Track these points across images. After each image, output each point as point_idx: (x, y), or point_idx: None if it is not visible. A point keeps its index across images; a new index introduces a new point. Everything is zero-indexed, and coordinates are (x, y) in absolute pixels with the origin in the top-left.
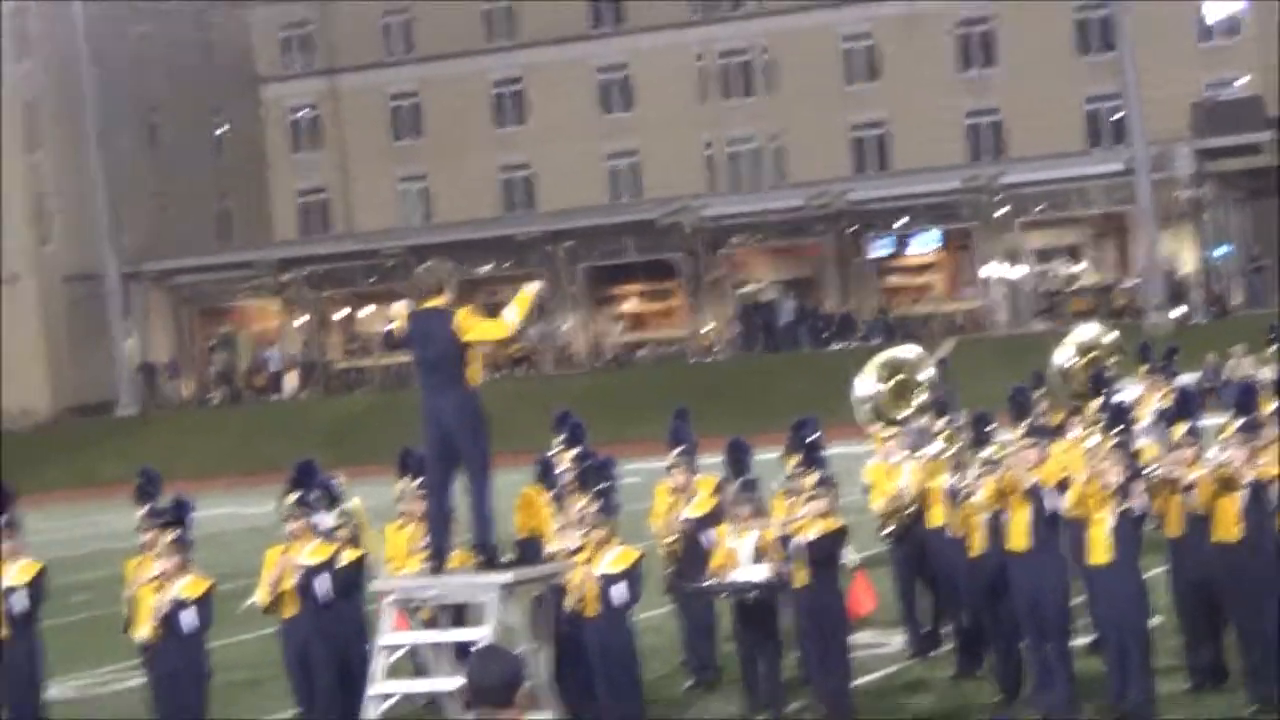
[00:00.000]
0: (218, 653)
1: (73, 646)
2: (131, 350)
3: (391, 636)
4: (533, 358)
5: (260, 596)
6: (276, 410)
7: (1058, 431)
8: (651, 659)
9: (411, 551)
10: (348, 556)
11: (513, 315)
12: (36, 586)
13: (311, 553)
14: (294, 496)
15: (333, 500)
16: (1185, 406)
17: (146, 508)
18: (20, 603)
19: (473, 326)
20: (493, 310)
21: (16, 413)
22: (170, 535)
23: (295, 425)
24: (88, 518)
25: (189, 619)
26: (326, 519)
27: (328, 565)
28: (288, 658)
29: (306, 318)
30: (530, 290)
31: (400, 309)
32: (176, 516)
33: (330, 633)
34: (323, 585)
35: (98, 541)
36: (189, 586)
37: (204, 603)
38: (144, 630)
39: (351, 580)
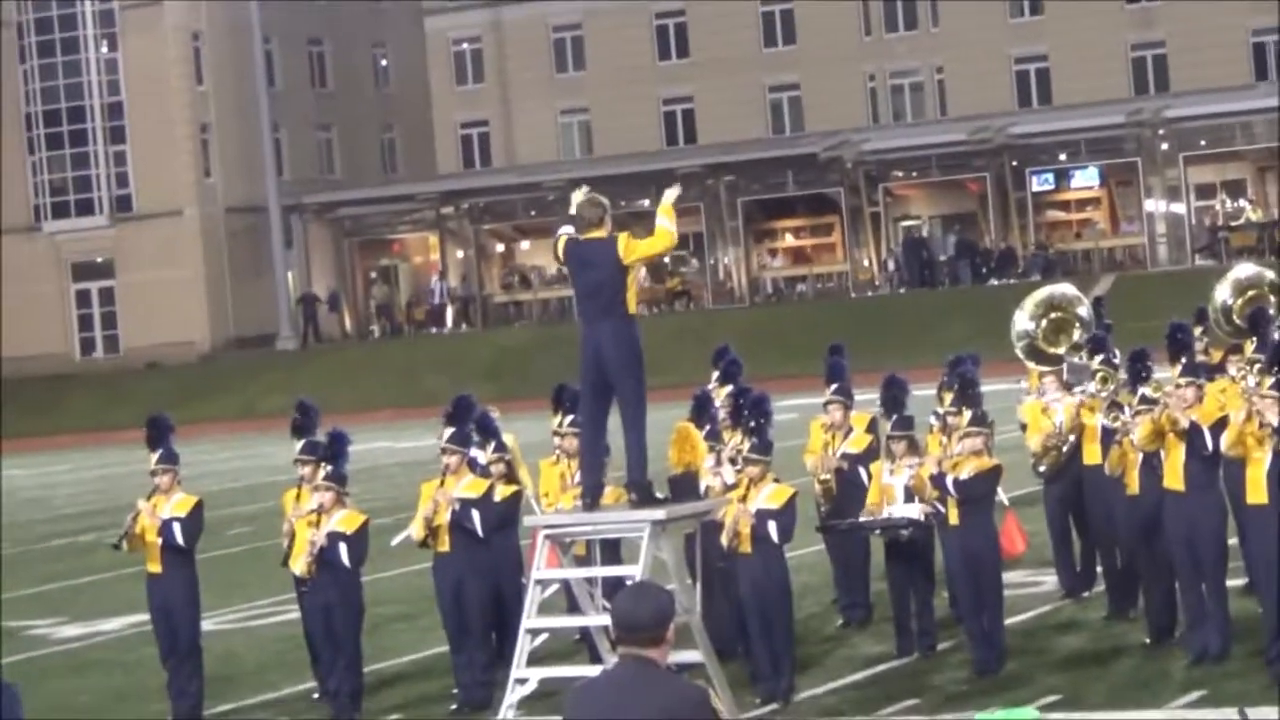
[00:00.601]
0: (372, 586)
1: (230, 579)
2: (292, 283)
3: (544, 572)
4: (692, 293)
5: (415, 531)
6: (435, 344)
7: (1217, 370)
8: (803, 597)
9: (565, 487)
10: (502, 492)
11: (667, 223)
12: (194, 519)
13: (467, 487)
14: (450, 431)
15: (489, 435)
16: None
17: (304, 441)
18: (178, 535)
19: (635, 247)
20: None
21: (178, 345)
22: (327, 469)
23: (454, 359)
24: (247, 450)
25: (344, 553)
26: (482, 454)
27: (482, 500)
28: (441, 592)
29: (466, 251)
30: (671, 196)
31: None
32: (333, 450)
33: (483, 568)
34: (477, 520)
35: (256, 474)
36: (344, 520)
37: (359, 537)
38: (300, 563)
39: (506, 516)
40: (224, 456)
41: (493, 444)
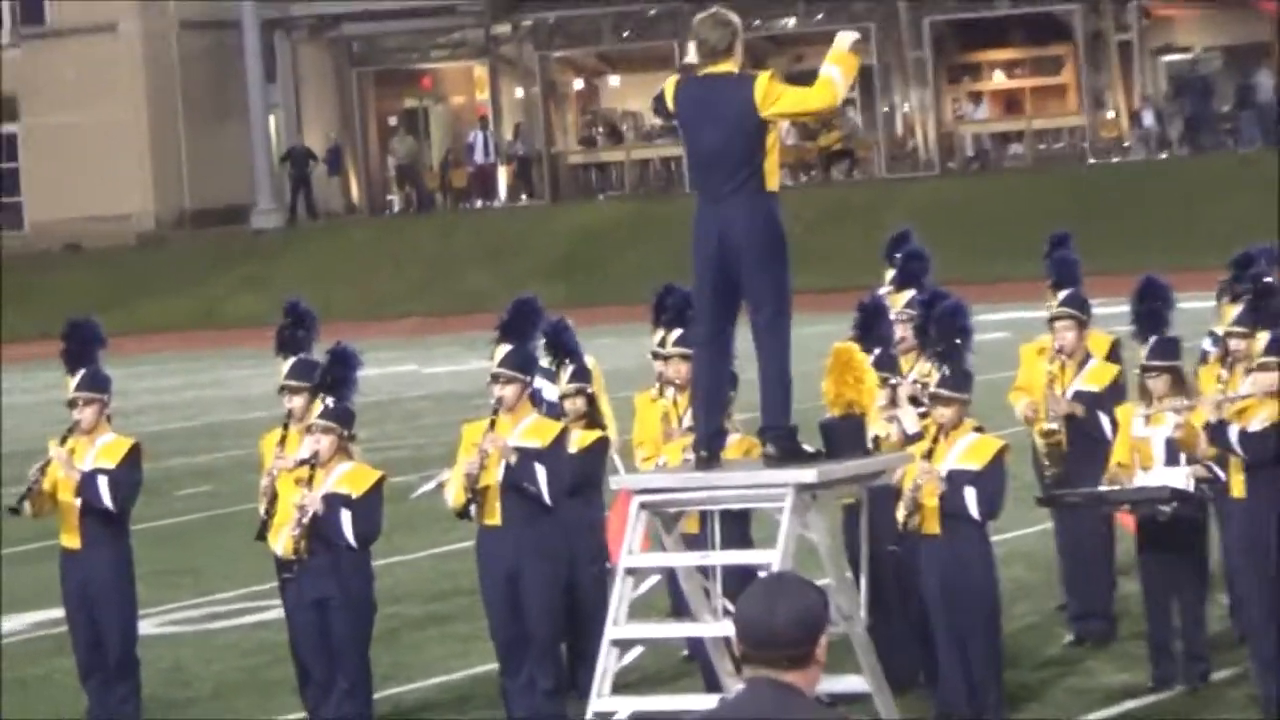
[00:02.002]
0: (387, 574)
1: (181, 559)
2: (275, 132)
3: (638, 558)
4: (857, 154)
5: (454, 494)
6: (482, 223)
7: None
8: (1015, 601)
9: (670, 434)
10: (581, 439)
11: (837, 74)
12: (128, 472)
13: (528, 432)
14: (505, 350)
15: (563, 356)
16: None
17: (293, 361)
18: (104, 495)
19: (780, 95)
20: (797, 82)
21: (108, 220)
22: (325, 403)
23: (508, 246)
24: (207, 373)
25: (347, 525)
26: (552, 385)
27: (551, 451)
28: (488, 584)
29: (528, 89)
30: (847, 41)
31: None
32: (335, 375)
33: (550, 548)
34: (543, 480)
35: (221, 409)
36: (349, 478)
37: (369, 502)
38: (284, 539)
39: (585, 474)
40: (173, 383)
41: (569, 369)
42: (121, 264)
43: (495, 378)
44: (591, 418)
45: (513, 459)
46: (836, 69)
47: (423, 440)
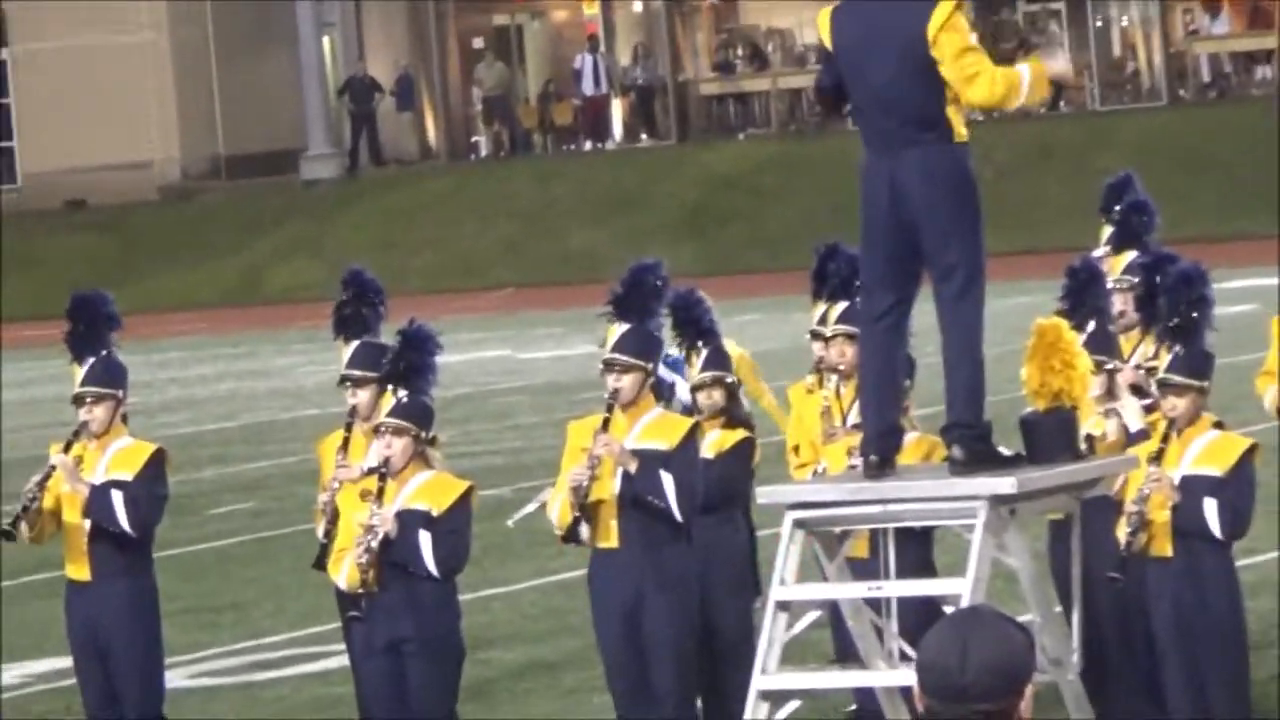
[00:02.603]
0: (478, 611)
1: (219, 595)
2: (330, 58)
3: (792, 589)
4: (1063, 82)
5: (558, 512)
6: (592, 169)
7: None
8: (1267, 638)
9: (832, 433)
10: (719, 441)
11: (1024, 77)
12: (149, 486)
13: (649, 432)
14: (621, 331)
15: (697, 337)
16: None
17: (356, 345)
18: (119, 514)
19: (955, 41)
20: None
21: (124, 169)
22: (398, 397)
23: (625, 196)
24: (247, 361)
25: (427, 550)
26: (680, 375)
27: (679, 456)
28: (604, 621)
29: (648, 3)
30: (1057, 65)
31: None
32: (410, 363)
33: (680, 577)
34: (670, 492)
35: (265, 404)
36: (428, 490)
37: (454, 521)
38: (347, 568)
39: (724, 485)
40: (206, 373)
41: (703, 353)
42: (139, 225)
43: (609, 365)
44: (732, 414)
45: (632, 466)
46: (1029, 76)
47: (519, 443)
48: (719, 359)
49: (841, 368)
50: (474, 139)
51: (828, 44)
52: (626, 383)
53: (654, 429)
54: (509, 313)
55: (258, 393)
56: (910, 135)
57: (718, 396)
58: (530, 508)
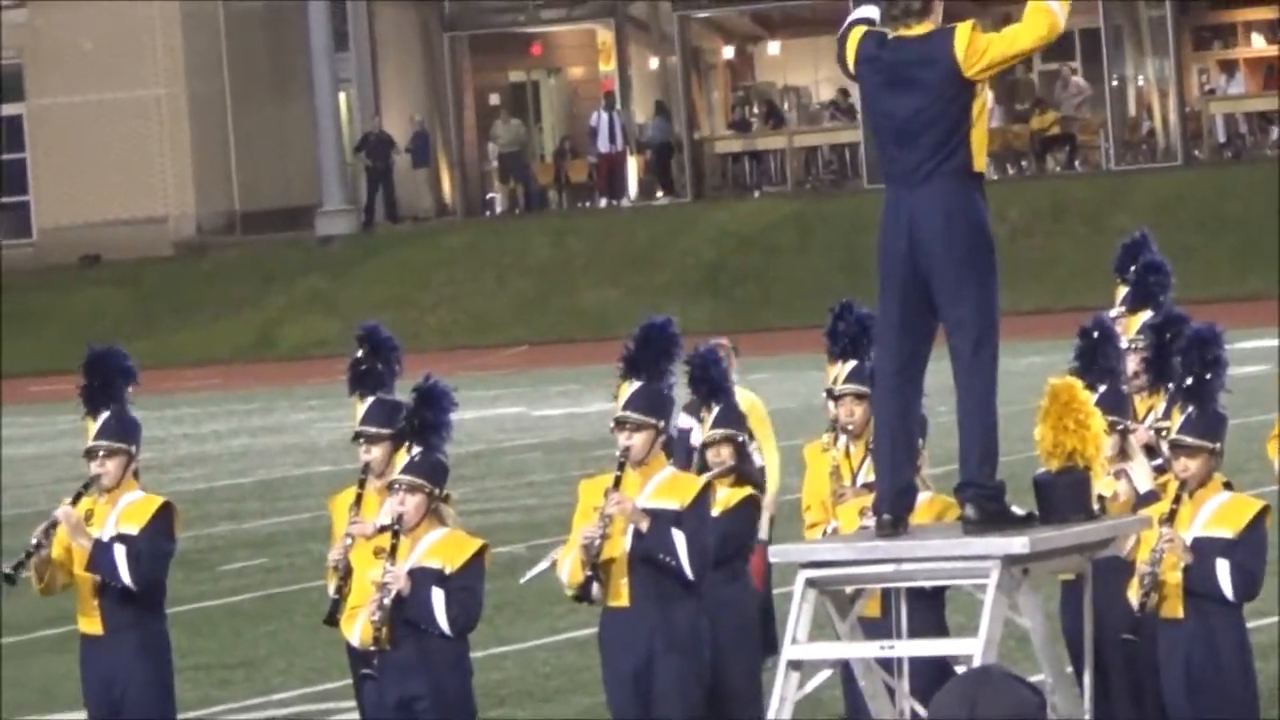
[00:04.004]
0: (490, 668)
1: (228, 650)
2: (346, 113)
3: (803, 648)
4: (1079, 138)
5: (570, 570)
6: (607, 226)
7: None
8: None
9: (842, 493)
10: (727, 499)
11: (1051, 7)
12: (155, 541)
13: (661, 491)
14: (634, 390)
15: (710, 394)
16: None
17: (370, 402)
18: (119, 569)
19: (987, 45)
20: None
21: (138, 225)
22: (412, 454)
23: (640, 254)
24: (260, 418)
25: (439, 609)
26: (694, 425)
27: (689, 514)
28: (613, 677)
29: (665, 59)
30: None
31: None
32: (424, 419)
33: (691, 635)
34: (682, 550)
35: (278, 461)
36: (441, 548)
37: (467, 579)
38: (359, 625)
39: (733, 542)
40: (220, 429)
41: (714, 410)
42: (154, 280)
43: (620, 423)
44: (743, 471)
45: (644, 525)
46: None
47: (533, 501)
48: (731, 417)
49: (850, 427)
50: (489, 195)
51: (850, 65)
52: (638, 441)
53: (666, 488)
54: (523, 370)
55: (271, 449)
56: (931, 169)
57: (726, 454)
58: (542, 566)
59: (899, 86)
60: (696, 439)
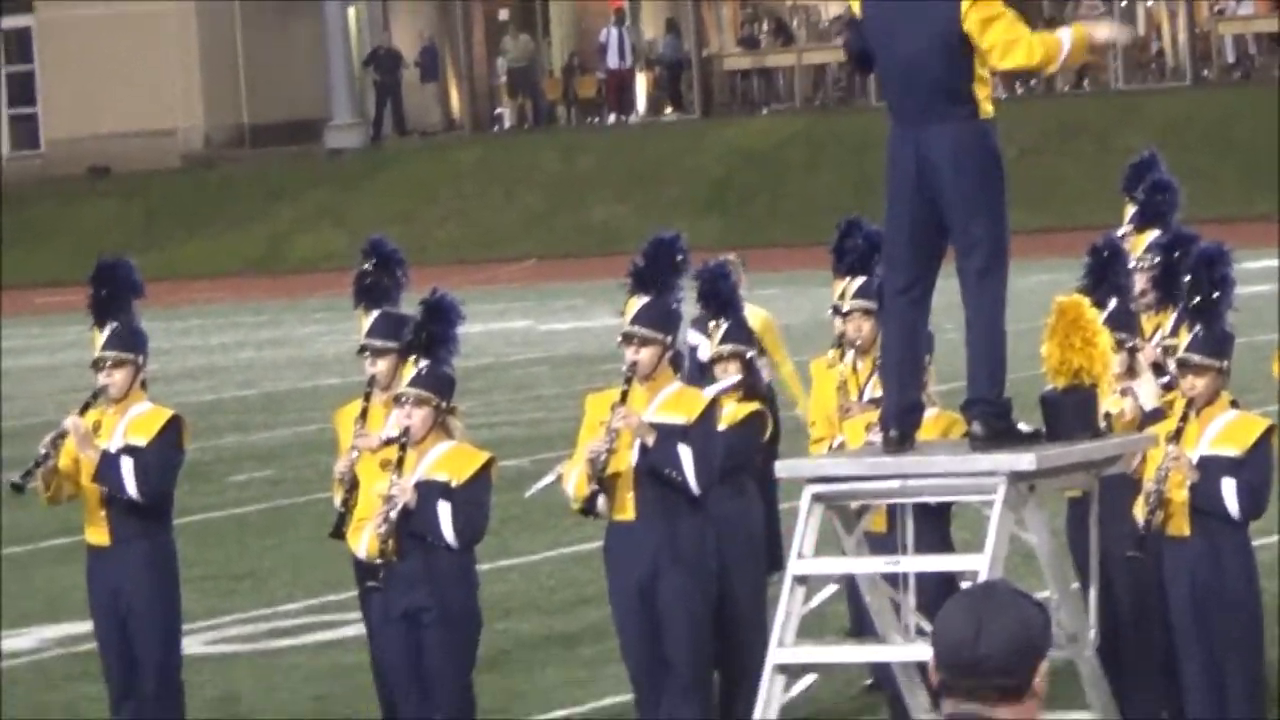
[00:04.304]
0: (496, 582)
1: (234, 561)
2: (354, 28)
3: (809, 562)
4: (1087, 60)
5: (575, 484)
6: (615, 142)
7: None
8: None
9: (848, 408)
10: (734, 413)
11: (1065, 42)
12: (163, 452)
13: (667, 405)
14: (641, 304)
15: (719, 309)
16: None
17: (376, 314)
18: (125, 481)
19: (993, 15)
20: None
21: (146, 138)
22: (419, 366)
23: (648, 170)
24: (267, 330)
25: (446, 520)
26: (702, 341)
27: (697, 429)
28: (618, 591)
29: None
30: (1103, 33)
31: None
32: (431, 333)
33: (696, 550)
34: (687, 464)
35: (284, 373)
36: (448, 461)
37: (473, 492)
38: (365, 538)
39: (739, 457)
40: (226, 341)
41: (723, 325)
42: (162, 192)
43: (628, 338)
44: (751, 387)
45: (650, 439)
46: (1069, 42)
47: (539, 415)
48: (739, 333)
49: (858, 342)
50: (498, 111)
51: (856, 12)
52: (645, 355)
53: (673, 402)
54: (531, 284)
55: (278, 361)
56: (937, 110)
57: (734, 370)
58: (548, 479)
59: (902, 27)
60: (704, 354)
